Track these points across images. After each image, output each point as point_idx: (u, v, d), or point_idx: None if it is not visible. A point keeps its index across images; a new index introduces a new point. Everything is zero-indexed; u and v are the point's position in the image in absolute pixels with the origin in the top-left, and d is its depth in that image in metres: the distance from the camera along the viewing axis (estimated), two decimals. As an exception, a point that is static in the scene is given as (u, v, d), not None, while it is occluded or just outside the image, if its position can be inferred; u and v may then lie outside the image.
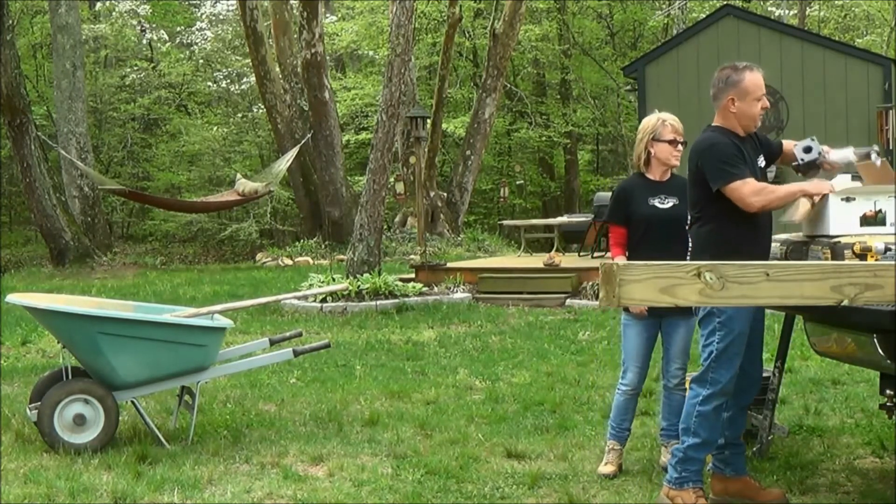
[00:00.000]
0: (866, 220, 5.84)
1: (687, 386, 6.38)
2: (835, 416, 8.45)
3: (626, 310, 6.87)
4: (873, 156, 6.35)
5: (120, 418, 7.87)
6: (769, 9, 35.07)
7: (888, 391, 6.33)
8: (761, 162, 6.21)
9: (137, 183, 33.18)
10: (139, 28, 36.76)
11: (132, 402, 7.85)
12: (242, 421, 8.65)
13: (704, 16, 24.64)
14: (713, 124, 6.17)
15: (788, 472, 6.82)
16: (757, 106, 6.09)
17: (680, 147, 6.92)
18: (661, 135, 6.90)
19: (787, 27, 22.36)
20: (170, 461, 7.34)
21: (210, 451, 7.62)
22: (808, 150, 6.29)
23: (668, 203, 6.87)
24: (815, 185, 6.03)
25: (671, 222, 6.70)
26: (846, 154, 6.47)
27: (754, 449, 7.23)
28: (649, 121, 6.99)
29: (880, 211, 5.85)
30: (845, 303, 5.11)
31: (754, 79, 6.11)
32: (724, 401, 6.04)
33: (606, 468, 6.86)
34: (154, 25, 36.88)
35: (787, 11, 32.08)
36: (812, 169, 6.28)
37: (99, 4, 37.36)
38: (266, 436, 8.13)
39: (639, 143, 7.02)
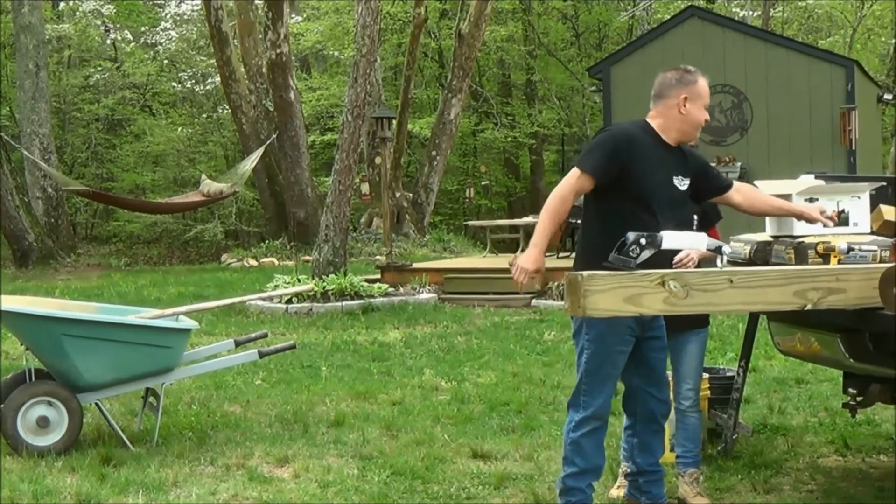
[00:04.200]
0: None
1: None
2: (798, 415, 8.51)
3: None
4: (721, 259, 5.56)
5: (84, 420, 7.83)
6: (733, 10, 35.24)
7: (851, 390, 6.38)
8: (682, 183, 5.73)
9: (101, 184, 33.00)
10: (103, 28, 36.55)
11: (96, 404, 7.81)
12: (207, 422, 8.62)
13: (669, 17, 24.71)
14: (647, 119, 5.80)
15: (752, 471, 6.86)
16: (704, 114, 5.78)
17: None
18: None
19: (751, 28, 22.49)
20: (134, 463, 7.30)
21: (175, 452, 7.59)
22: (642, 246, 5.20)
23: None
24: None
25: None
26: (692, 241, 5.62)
27: (719, 448, 7.26)
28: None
29: (843, 211, 5.88)
30: (809, 307, 5.15)
31: (705, 86, 5.81)
32: (600, 425, 5.65)
33: (619, 491, 6.43)
34: (118, 25, 36.66)
35: (750, 12, 32.22)
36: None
37: (62, 4, 37.15)
38: (231, 437, 8.11)
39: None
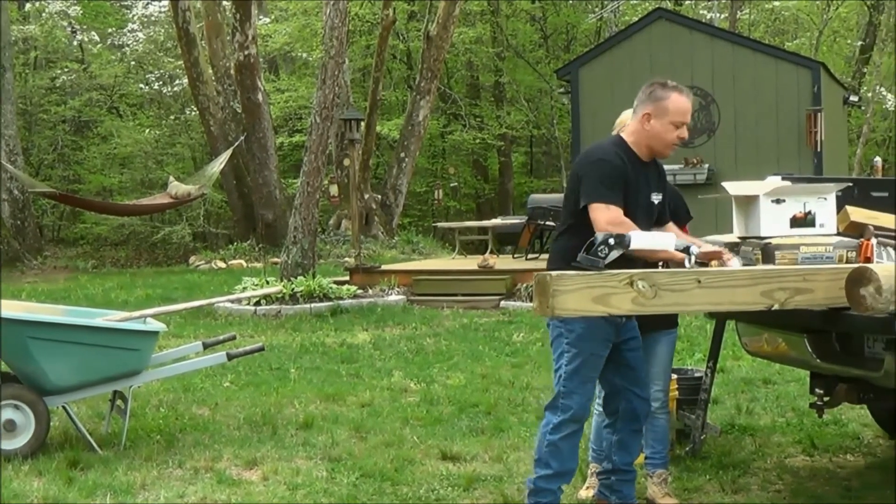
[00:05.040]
0: (796, 222, 5.91)
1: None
2: (766, 416, 8.55)
3: None
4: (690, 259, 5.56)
5: (51, 424, 7.78)
6: (700, 12, 35.36)
7: (818, 390, 6.42)
8: (657, 199, 5.80)
9: (68, 186, 32.78)
10: (70, 29, 36.31)
11: (63, 407, 7.77)
12: (175, 425, 8.59)
13: (636, 19, 24.80)
14: (621, 134, 5.79)
15: (721, 472, 6.89)
16: (673, 133, 5.64)
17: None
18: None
19: (718, 30, 22.60)
20: (102, 466, 7.27)
21: (143, 455, 7.56)
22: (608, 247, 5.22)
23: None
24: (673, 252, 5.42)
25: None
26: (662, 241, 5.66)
27: (687, 449, 7.29)
28: (625, 115, 6.31)
29: (810, 213, 5.91)
30: (776, 307, 5.18)
31: (679, 102, 5.64)
32: (577, 428, 5.68)
33: (588, 492, 6.46)
34: (85, 27, 36.43)
35: (718, 15, 32.37)
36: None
37: (28, 5, 36.90)
38: (199, 440, 8.08)
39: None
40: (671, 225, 5.89)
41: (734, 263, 5.60)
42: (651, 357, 6.38)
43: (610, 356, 5.73)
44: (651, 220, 5.74)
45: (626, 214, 5.51)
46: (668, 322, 6.28)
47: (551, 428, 5.63)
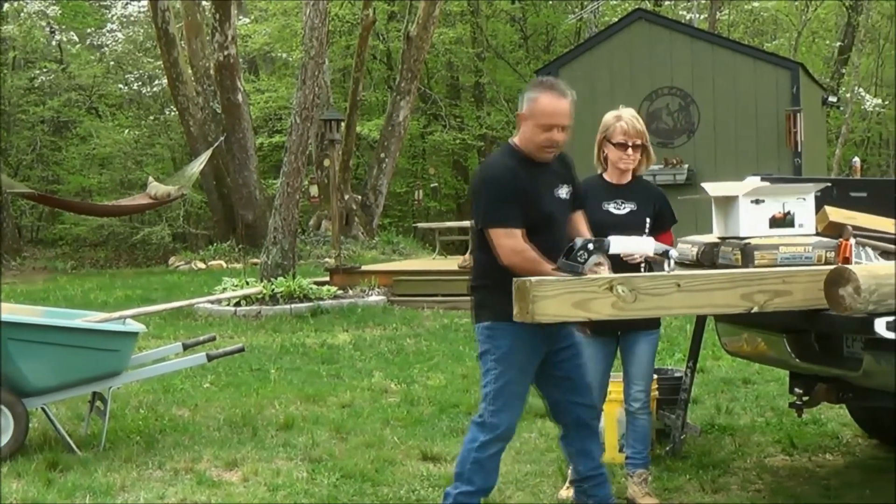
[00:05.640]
0: (776, 222, 5.93)
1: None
2: (746, 415, 8.57)
3: (579, 328, 6.07)
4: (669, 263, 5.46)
5: (30, 425, 7.76)
6: (680, 13, 35.42)
7: (797, 390, 6.44)
8: (564, 192, 5.57)
9: (47, 186, 32.67)
10: (48, 29, 36.15)
11: (42, 408, 7.74)
12: (155, 426, 8.57)
13: (616, 20, 24.82)
14: (512, 140, 5.57)
15: (700, 471, 6.91)
16: (542, 135, 5.37)
17: (630, 151, 6.24)
18: (611, 136, 6.29)
19: (697, 31, 22.64)
20: (81, 468, 7.25)
21: (122, 457, 7.54)
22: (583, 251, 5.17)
23: (625, 209, 6.27)
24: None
25: (624, 231, 5.75)
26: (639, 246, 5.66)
27: (667, 448, 7.31)
28: (606, 118, 6.38)
29: (789, 213, 5.93)
30: (755, 310, 5.20)
31: (548, 103, 5.37)
32: (503, 446, 5.56)
33: (568, 492, 6.37)
34: (64, 27, 36.27)
35: (697, 15, 32.43)
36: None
37: (6, 5, 36.73)
38: (179, 441, 8.06)
39: (596, 142, 6.44)
40: (578, 214, 5.70)
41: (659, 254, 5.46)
42: (632, 357, 6.37)
43: (544, 369, 5.59)
44: (566, 214, 5.57)
45: (534, 219, 5.35)
46: (649, 323, 6.21)
47: (477, 445, 5.47)
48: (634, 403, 6.39)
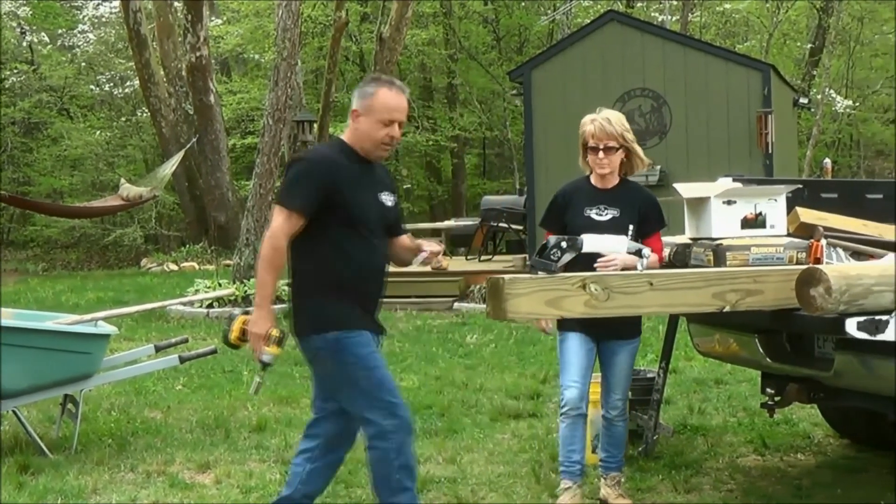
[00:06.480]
0: (747, 223, 5.95)
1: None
2: (718, 416, 8.61)
3: (559, 327, 6.10)
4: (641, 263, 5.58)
5: (1, 428, 7.71)
6: (652, 14, 35.51)
7: (769, 390, 6.47)
8: (390, 200, 5.41)
9: (18, 188, 32.50)
10: (19, 30, 36.02)
11: (13, 411, 7.70)
12: (127, 429, 8.54)
13: (589, 21, 24.86)
14: (342, 136, 5.42)
15: (673, 472, 6.93)
16: (381, 131, 5.23)
17: (602, 155, 6.09)
18: (584, 140, 6.19)
19: (670, 33, 22.68)
20: (53, 471, 7.21)
21: (94, 459, 7.51)
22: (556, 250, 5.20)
23: (607, 215, 6.11)
24: None
25: None
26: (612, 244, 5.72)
27: (639, 449, 7.32)
28: (582, 121, 6.25)
29: (760, 214, 5.96)
30: (727, 309, 5.23)
31: (388, 98, 5.25)
32: (413, 436, 5.28)
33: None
34: (35, 27, 36.13)
35: (669, 17, 32.51)
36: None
37: (-23, 6, 36.61)
38: (152, 443, 8.04)
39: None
40: (404, 238, 5.59)
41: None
42: (612, 366, 6.27)
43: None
44: (386, 221, 5.40)
45: (349, 218, 5.17)
46: (630, 331, 6.19)
47: (394, 454, 5.14)
48: (612, 411, 6.35)
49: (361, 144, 5.28)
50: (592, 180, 6.26)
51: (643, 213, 6.15)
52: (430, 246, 5.54)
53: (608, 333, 6.06)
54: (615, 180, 6.22)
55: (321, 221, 5.15)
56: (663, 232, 6.30)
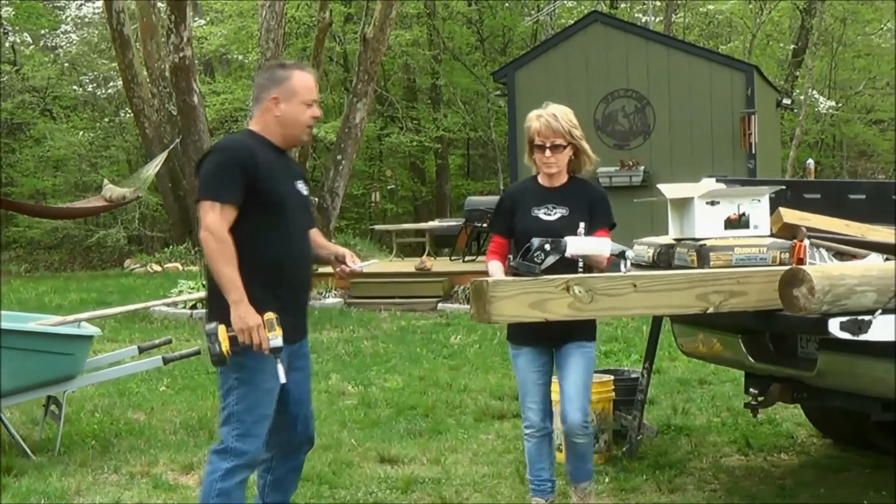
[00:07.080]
0: (731, 223, 5.96)
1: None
2: (702, 416, 8.62)
3: (509, 339, 5.95)
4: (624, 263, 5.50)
5: (-17, 430, 7.70)
6: (636, 15, 35.55)
7: (752, 390, 6.49)
8: (304, 188, 5.37)
9: (0, 189, 32.40)
10: (1, 31, 35.89)
11: (-4, 412, 7.68)
12: (111, 430, 8.52)
13: (572, 22, 24.89)
14: (249, 128, 5.30)
15: (657, 472, 6.94)
16: (306, 112, 5.20)
17: (548, 153, 5.85)
18: (530, 138, 5.98)
19: (653, 33, 22.71)
20: (36, 473, 7.20)
21: (78, 461, 7.50)
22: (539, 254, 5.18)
23: (555, 214, 5.87)
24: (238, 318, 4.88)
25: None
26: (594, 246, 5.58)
27: (623, 449, 7.34)
28: (529, 116, 6.04)
29: (744, 214, 5.97)
30: (711, 310, 5.23)
31: (304, 79, 5.22)
32: (249, 474, 5.13)
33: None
34: (17, 28, 36.00)
35: (653, 18, 32.55)
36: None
37: (-41, 6, 36.48)
38: (135, 445, 8.02)
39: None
40: (315, 232, 5.47)
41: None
42: (566, 372, 5.84)
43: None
44: (306, 210, 5.39)
45: (268, 205, 5.03)
46: (582, 332, 5.79)
47: (221, 475, 4.98)
48: (572, 428, 5.80)
49: (284, 130, 5.19)
50: (540, 179, 6.04)
51: (591, 209, 5.90)
52: (350, 261, 5.45)
53: (562, 337, 5.76)
54: (563, 178, 6.00)
55: (246, 210, 5.00)
56: (634, 233, 6.17)
